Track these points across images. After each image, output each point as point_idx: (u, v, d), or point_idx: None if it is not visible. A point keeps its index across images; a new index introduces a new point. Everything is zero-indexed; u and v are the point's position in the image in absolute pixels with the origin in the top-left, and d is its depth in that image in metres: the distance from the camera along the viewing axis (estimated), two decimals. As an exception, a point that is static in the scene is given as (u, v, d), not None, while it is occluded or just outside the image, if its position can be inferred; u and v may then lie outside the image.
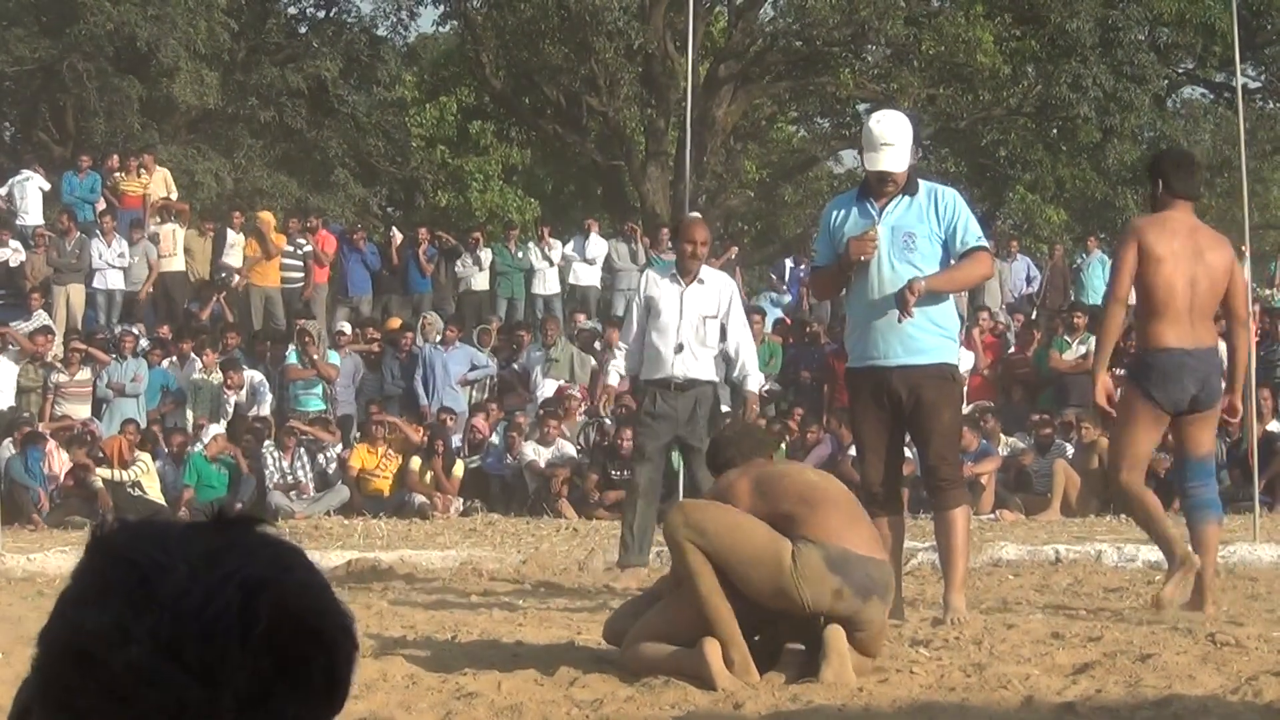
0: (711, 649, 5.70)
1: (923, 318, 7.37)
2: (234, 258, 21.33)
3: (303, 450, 17.36)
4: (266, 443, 17.39)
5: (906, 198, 7.49)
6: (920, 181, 7.59)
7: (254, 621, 1.27)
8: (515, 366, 19.56)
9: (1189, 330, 7.64)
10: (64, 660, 1.28)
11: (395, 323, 20.14)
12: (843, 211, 7.62)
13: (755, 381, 9.98)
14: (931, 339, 7.44)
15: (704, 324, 9.63)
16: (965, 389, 18.60)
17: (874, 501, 7.34)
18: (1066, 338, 18.64)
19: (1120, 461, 7.89)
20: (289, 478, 17.16)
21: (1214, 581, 7.94)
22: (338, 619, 1.34)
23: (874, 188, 7.51)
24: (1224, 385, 8.03)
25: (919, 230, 7.43)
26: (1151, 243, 7.59)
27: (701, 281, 9.69)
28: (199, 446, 17.38)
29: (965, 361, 18.53)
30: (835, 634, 5.79)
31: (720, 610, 5.78)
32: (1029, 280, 22.10)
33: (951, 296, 7.69)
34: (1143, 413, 7.74)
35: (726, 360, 9.82)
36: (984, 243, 7.62)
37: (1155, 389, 7.65)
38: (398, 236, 22.25)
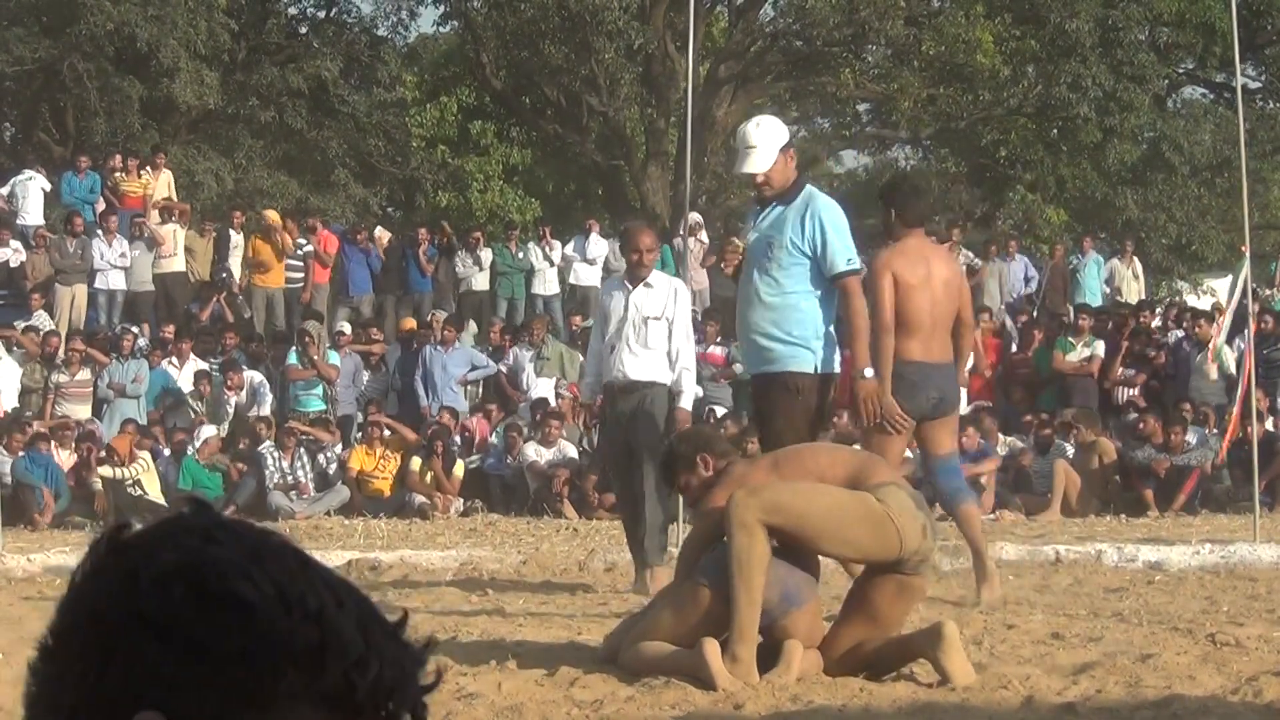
0: (711, 649, 5.69)
1: (770, 327, 7.35)
2: (235, 259, 21.34)
3: (303, 450, 17.36)
4: (266, 443, 17.40)
5: (780, 207, 7.45)
6: (806, 190, 7.50)
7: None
8: (502, 367, 19.53)
9: (931, 346, 8.28)
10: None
11: (410, 323, 20.14)
12: (750, 218, 7.79)
13: (687, 399, 9.50)
14: (779, 349, 7.41)
15: (646, 325, 9.33)
16: (966, 390, 18.62)
17: None
18: (1070, 339, 18.64)
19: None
20: (289, 478, 17.16)
21: (992, 562, 8.54)
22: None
23: (759, 195, 7.53)
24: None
25: (777, 240, 7.38)
26: (901, 272, 8.20)
27: (649, 285, 9.49)
28: (192, 450, 17.38)
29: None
30: (951, 629, 5.82)
31: (755, 606, 5.72)
32: (1027, 280, 22.10)
33: (806, 303, 7.49)
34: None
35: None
36: (854, 265, 7.60)
37: (904, 398, 8.14)
38: (383, 236, 22.23)
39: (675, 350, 9.38)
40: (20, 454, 16.79)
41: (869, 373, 7.69)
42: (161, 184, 22.24)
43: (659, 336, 9.35)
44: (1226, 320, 16.55)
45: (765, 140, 7.42)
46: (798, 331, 7.46)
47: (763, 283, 7.37)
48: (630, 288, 9.51)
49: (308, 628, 1.19)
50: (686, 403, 9.49)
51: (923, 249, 8.45)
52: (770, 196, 7.44)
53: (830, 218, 7.53)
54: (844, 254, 7.49)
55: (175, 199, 22.49)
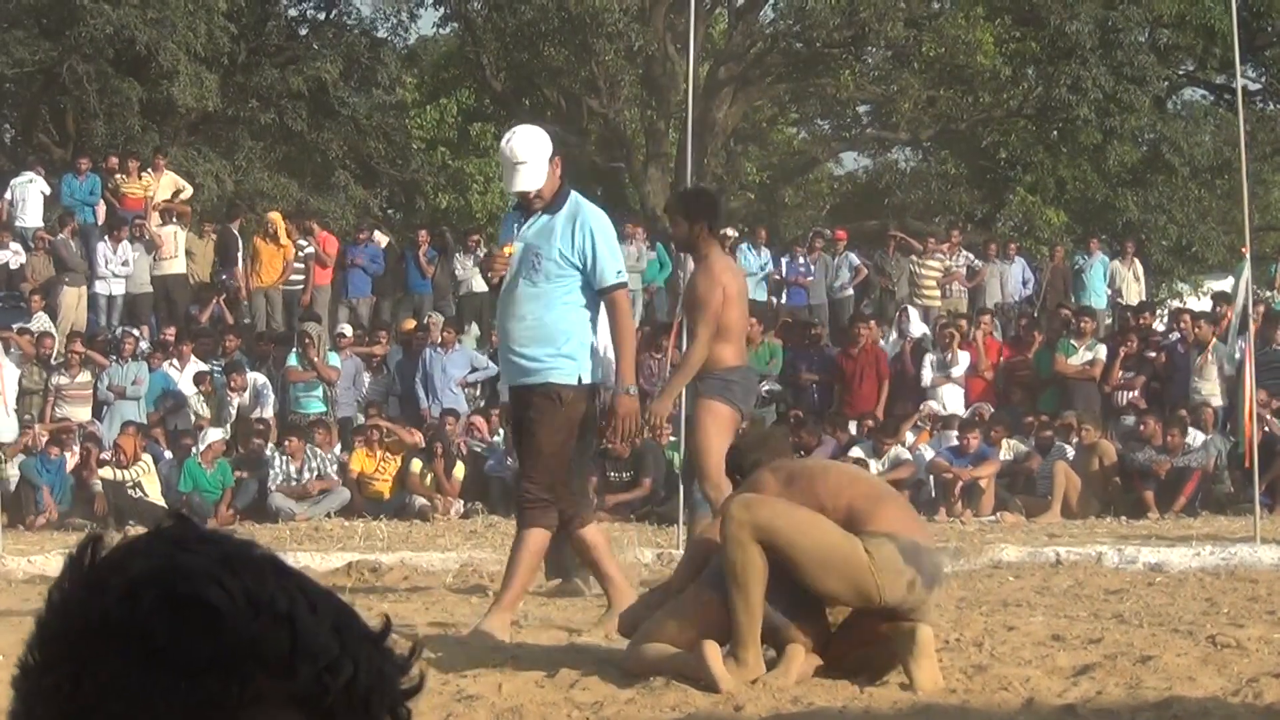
0: (711, 650, 5.69)
1: (534, 339, 7.24)
2: (239, 261, 21.37)
3: (308, 453, 17.32)
4: (269, 445, 17.41)
5: (546, 216, 7.30)
6: (572, 199, 7.37)
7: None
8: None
9: (744, 350, 8.74)
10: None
11: (410, 324, 20.14)
12: (508, 225, 7.63)
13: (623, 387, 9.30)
14: (541, 361, 7.26)
15: None
16: (966, 391, 18.62)
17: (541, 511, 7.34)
18: (1073, 341, 18.63)
19: (720, 478, 7.88)
20: (293, 481, 17.14)
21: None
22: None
23: (525, 204, 7.42)
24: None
25: (545, 251, 7.24)
26: (729, 283, 8.39)
27: None
28: (196, 452, 17.39)
29: (965, 363, 18.54)
30: (926, 634, 5.76)
31: (755, 614, 5.73)
32: (1024, 283, 22.11)
33: (573, 315, 7.35)
34: (733, 422, 8.43)
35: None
36: (623, 278, 7.49)
37: (740, 400, 8.43)
38: (380, 240, 22.24)
39: (603, 347, 9.48)
40: (26, 455, 16.81)
41: (633, 390, 7.52)
42: (164, 186, 22.24)
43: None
44: (1234, 322, 16.56)
45: (533, 154, 7.25)
46: (563, 343, 7.28)
47: (528, 294, 7.23)
48: None
49: (278, 631, 1.18)
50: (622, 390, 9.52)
51: (729, 259, 8.80)
52: (539, 208, 7.30)
53: (600, 229, 7.38)
54: (613, 266, 7.35)
55: (188, 192, 22.51)
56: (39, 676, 1.21)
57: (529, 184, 7.26)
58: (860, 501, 5.92)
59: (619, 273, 7.42)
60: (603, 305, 7.39)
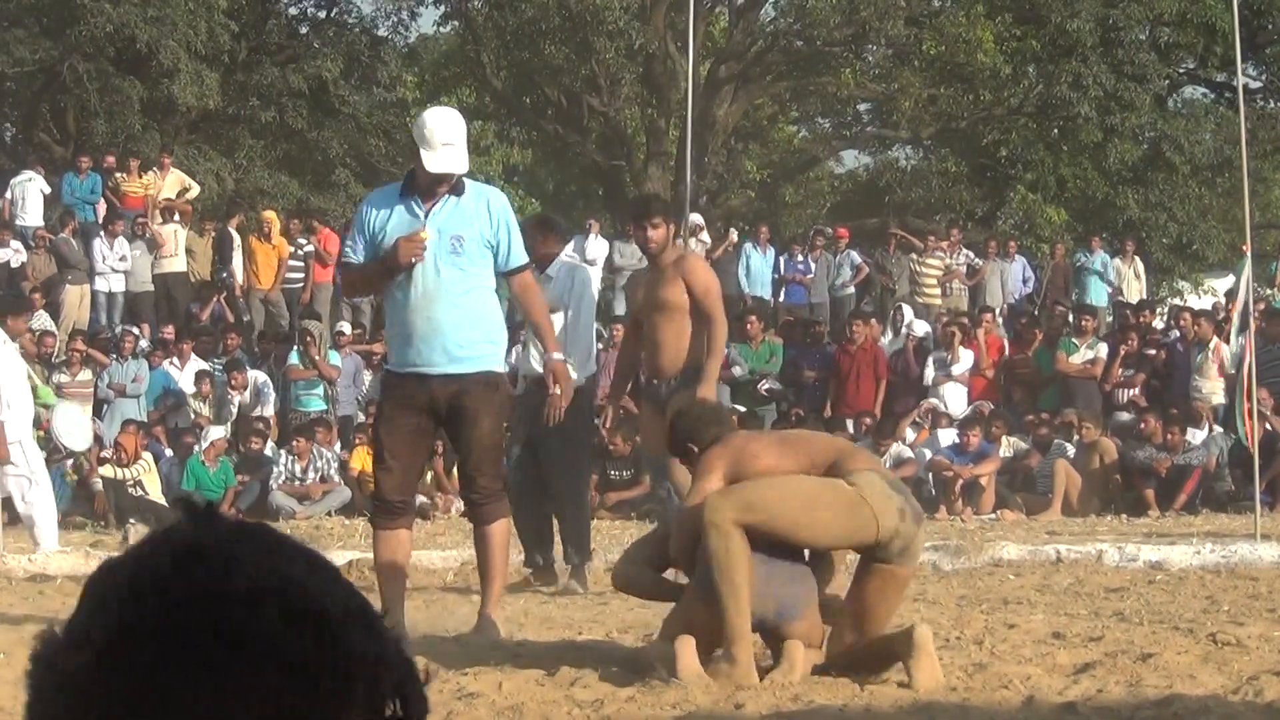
0: (684, 644, 5.69)
1: (468, 324, 7.09)
2: (236, 261, 21.35)
3: (314, 452, 17.30)
4: (271, 443, 17.40)
5: (454, 198, 7.12)
6: (466, 181, 7.23)
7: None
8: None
9: None
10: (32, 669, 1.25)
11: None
12: (385, 210, 7.21)
13: (578, 371, 9.32)
14: (476, 347, 7.14)
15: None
16: (968, 389, 18.63)
17: (392, 512, 7.26)
18: (1074, 340, 18.62)
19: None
20: (296, 480, 17.12)
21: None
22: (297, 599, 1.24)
23: (423, 187, 7.12)
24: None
25: (467, 233, 7.08)
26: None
27: (550, 277, 9.50)
28: (198, 450, 17.39)
29: (966, 361, 18.55)
30: (924, 633, 5.77)
31: (744, 605, 5.69)
32: (1024, 281, 22.10)
33: (492, 299, 7.29)
34: None
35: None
36: (527, 259, 7.44)
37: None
38: None
39: (577, 338, 9.57)
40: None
41: (561, 356, 7.60)
42: (170, 184, 22.25)
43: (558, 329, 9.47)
44: (1234, 321, 16.55)
45: (459, 136, 7.08)
46: (492, 329, 7.24)
47: (454, 279, 7.04)
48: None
49: (370, 641, 1.22)
50: (574, 373, 9.38)
51: None
52: (443, 192, 7.10)
53: (510, 211, 7.33)
54: (520, 246, 7.28)
55: (195, 191, 22.51)
56: (123, 680, 1.19)
57: (456, 166, 7.05)
58: (833, 454, 6.03)
59: (524, 253, 7.37)
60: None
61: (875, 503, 5.76)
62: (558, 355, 7.56)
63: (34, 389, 12.93)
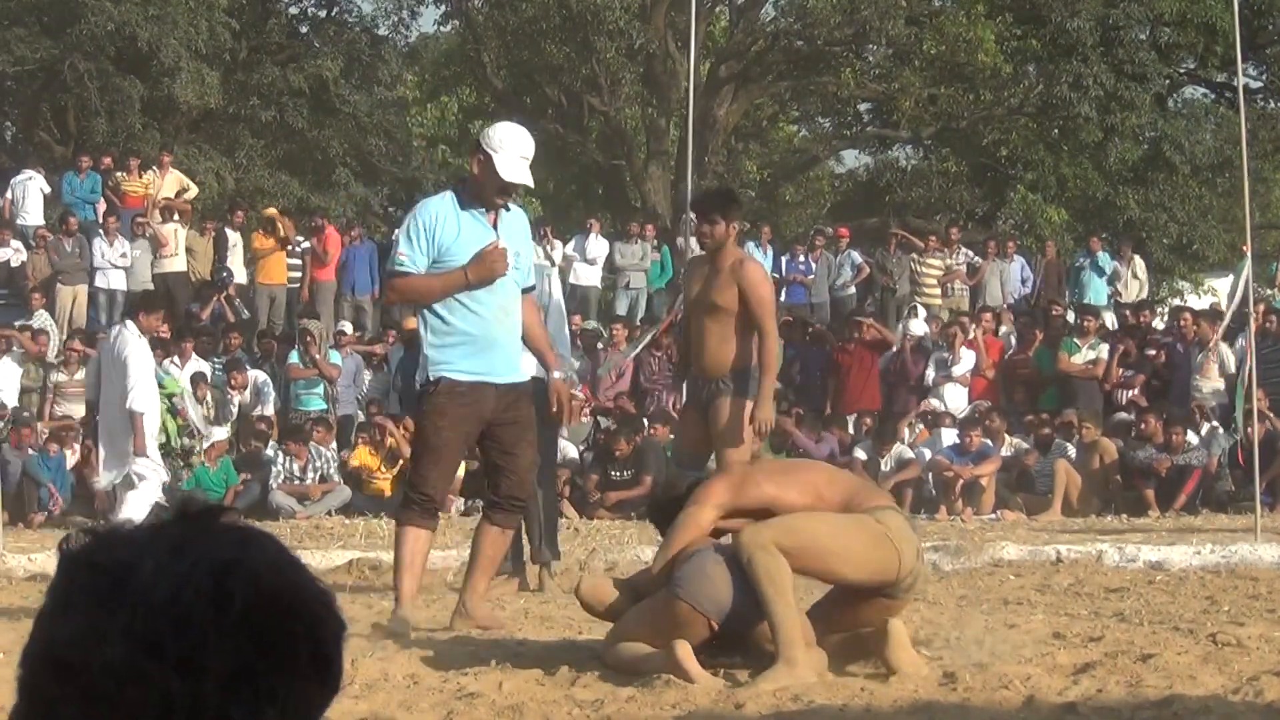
0: (683, 650, 5.72)
1: (519, 334, 7.32)
2: (234, 258, 21.34)
3: (313, 452, 17.30)
4: (271, 442, 17.39)
5: (506, 213, 7.29)
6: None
7: (227, 602, 1.26)
8: None
9: None
10: (43, 673, 1.26)
11: (412, 323, 20.07)
12: (453, 217, 7.22)
13: (560, 374, 9.71)
14: (525, 357, 7.39)
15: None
16: (968, 389, 18.64)
17: (429, 511, 7.37)
18: (1076, 340, 18.61)
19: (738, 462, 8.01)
20: (295, 480, 17.12)
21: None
22: (315, 593, 1.33)
23: (488, 198, 7.19)
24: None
25: (520, 250, 7.29)
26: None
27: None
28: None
29: (967, 362, 18.56)
30: (897, 626, 5.87)
31: (794, 616, 5.78)
32: (1024, 281, 22.09)
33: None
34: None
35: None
36: (535, 280, 7.62)
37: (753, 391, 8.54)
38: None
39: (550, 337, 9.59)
40: (31, 452, 16.80)
41: (560, 375, 7.72)
42: (169, 184, 22.25)
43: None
44: (1225, 319, 16.57)
45: (532, 152, 7.23)
46: (523, 340, 7.44)
47: (511, 291, 7.25)
48: None
49: (330, 616, 1.36)
50: (558, 375, 9.61)
51: None
52: (502, 205, 7.23)
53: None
54: (533, 266, 7.54)
55: (189, 197, 22.50)
56: (96, 649, 1.25)
57: (528, 178, 7.20)
58: (850, 489, 6.12)
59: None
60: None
61: (902, 545, 5.92)
62: (558, 374, 7.65)
63: (159, 380, 13.05)
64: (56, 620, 1.27)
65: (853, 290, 21.82)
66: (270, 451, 17.43)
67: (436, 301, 7.30)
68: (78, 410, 18.33)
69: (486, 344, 7.22)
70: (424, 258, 7.21)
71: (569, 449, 17.33)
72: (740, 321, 8.28)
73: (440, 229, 7.19)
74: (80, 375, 18.50)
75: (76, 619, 1.26)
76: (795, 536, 5.80)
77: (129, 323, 11.50)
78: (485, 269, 7.10)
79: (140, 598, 1.25)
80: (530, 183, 7.21)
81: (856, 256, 22.25)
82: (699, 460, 8.41)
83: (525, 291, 7.38)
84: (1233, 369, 17.23)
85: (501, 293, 7.20)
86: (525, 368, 9.29)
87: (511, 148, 7.11)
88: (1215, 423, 17.15)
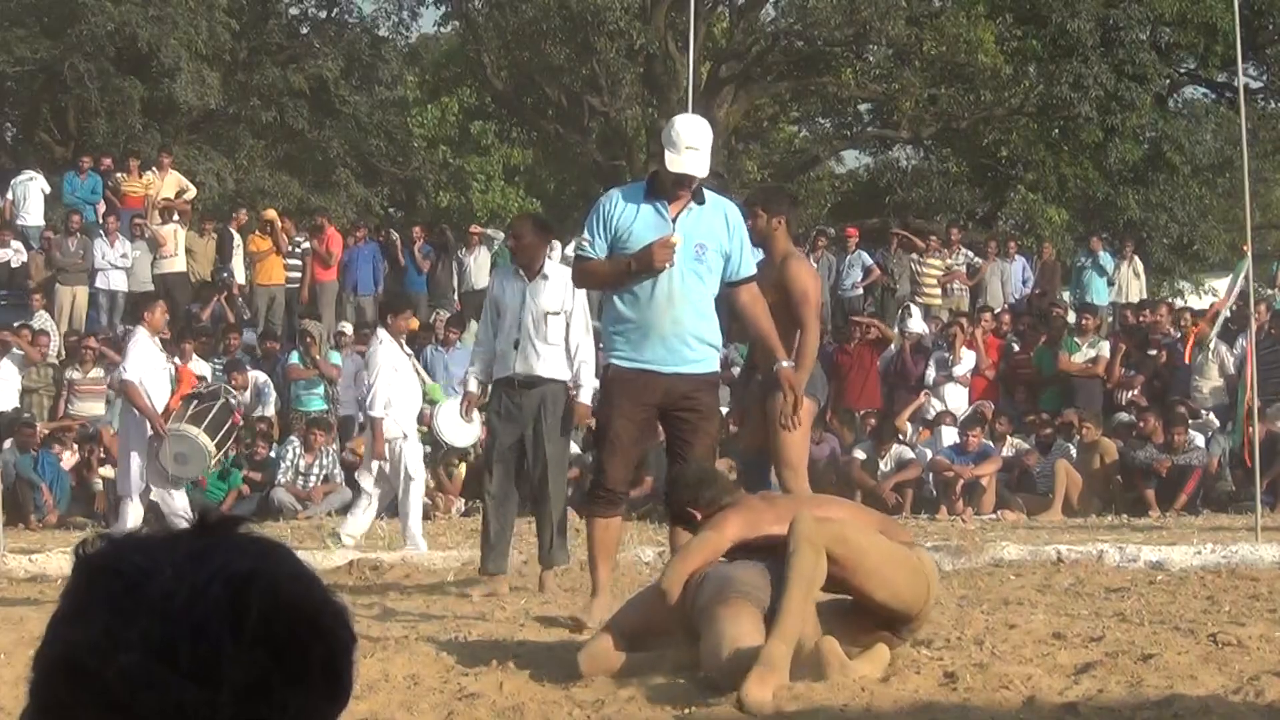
0: (829, 645, 5.76)
1: (702, 327, 7.32)
2: (236, 260, 21.35)
3: (321, 449, 17.27)
4: (274, 443, 17.40)
5: (697, 206, 7.31)
6: (705, 191, 7.39)
7: (245, 613, 1.26)
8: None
9: None
10: (56, 677, 1.26)
11: (414, 324, 20.08)
12: (632, 207, 7.33)
13: (586, 393, 9.72)
14: (705, 349, 7.38)
15: (545, 320, 9.48)
16: (969, 390, 18.65)
17: (613, 502, 7.40)
18: (1076, 339, 18.60)
19: (801, 465, 8.02)
20: (299, 479, 17.08)
21: None
22: (331, 607, 1.33)
23: (667, 189, 7.28)
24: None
25: (710, 243, 7.27)
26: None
27: (546, 277, 9.55)
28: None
29: (967, 362, 18.56)
30: (831, 644, 5.84)
31: (802, 617, 5.80)
32: (1024, 281, 22.08)
33: (714, 311, 7.51)
34: (813, 415, 8.44)
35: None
36: (754, 270, 7.59)
37: (817, 392, 8.69)
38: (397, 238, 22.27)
39: (574, 344, 9.59)
40: (30, 453, 16.80)
41: (788, 363, 7.64)
42: (169, 184, 22.25)
43: (559, 332, 9.54)
44: (1221, 315, 16.55)
45: (705, 143, 7.25)
46: (713, 333, 7.44)
47: (691, 284, 7.25)
48: (526, 280, 9.55)
49: (342, 628, 1.38)
50: (586, 397, 9.73)
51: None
52: (685, 198, 7.27)
53: (744, 223, 7.51)
54: (751, 257, 7.49)
55: (188, 198, 22.51)
56: (111, 656, 1.26)
57: (697, 169, 7.21)
58: (878, 523, 6.35)
59: (753, 264, 7.54)
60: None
61: (933, 581, 6.16)
62: (787, 363, 7.61)
63: (423, 386, 13.07)
64: (72, 624, 1.27)
65: (860, 292, 21.71)
66: (273, 452, 17.37)
67: (608, 288, 7.45)
68: (92, 408, 18.32)
69: (648, 333, 7.28)
70: (603, 243, 7.33)
71: (570, 448, 17.30)
72: (783, 318, 8.32)
73: (619, 216, 7.31)
74: (95, 373, 18.46)
75: (92, 624, 1.26)
76: (846, 546, 5.91)
77: (380, 330, 11.67)
78: (648, 259, 7.16)
79: (158, 605, 1.25)
80: (699, 173, 7.22)
81: (866, 257, 22.12)
82: (760, 457, 8.40)
83: (739, 283, 7.38)
84: (1233, 370, 17.22)
85: (674, 284, 7.22)
86: (554, 369, 9.42)
87: (681, 140, 7.19)
88: (1216, 423, 17.15)
